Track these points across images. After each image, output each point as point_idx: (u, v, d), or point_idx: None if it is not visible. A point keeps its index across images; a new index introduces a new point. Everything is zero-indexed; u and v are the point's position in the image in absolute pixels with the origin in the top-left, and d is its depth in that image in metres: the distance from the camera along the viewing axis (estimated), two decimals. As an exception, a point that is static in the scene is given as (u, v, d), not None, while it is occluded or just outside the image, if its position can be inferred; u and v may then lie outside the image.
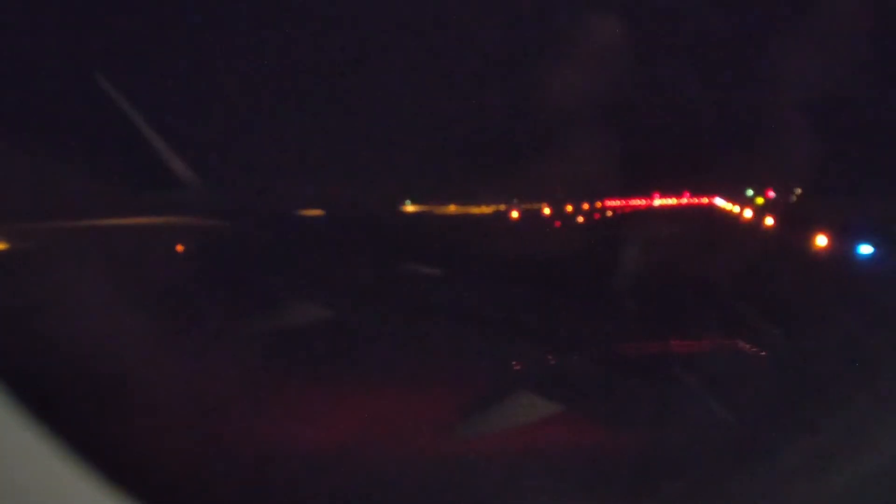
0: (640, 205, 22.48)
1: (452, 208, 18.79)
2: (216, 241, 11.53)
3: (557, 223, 19.59)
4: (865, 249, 13.10)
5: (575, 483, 5.36)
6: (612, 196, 21.63)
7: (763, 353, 6.82)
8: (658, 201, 22.08)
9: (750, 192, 21.33)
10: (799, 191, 19.98)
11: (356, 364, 7.62)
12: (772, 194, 21.12)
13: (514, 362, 6.79)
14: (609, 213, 22.14)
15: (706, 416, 5.32)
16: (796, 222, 17.39)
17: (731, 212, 23.21)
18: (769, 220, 19.96)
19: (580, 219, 20.63)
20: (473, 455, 5.97)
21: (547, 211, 19.55)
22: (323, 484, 5.27)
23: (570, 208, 20.23)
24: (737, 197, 22.29)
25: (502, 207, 19.09)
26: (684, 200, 22.12)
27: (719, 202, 23.75)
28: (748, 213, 21.58)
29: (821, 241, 14.70)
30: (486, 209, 19.08)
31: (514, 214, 18.94)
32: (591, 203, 21.03)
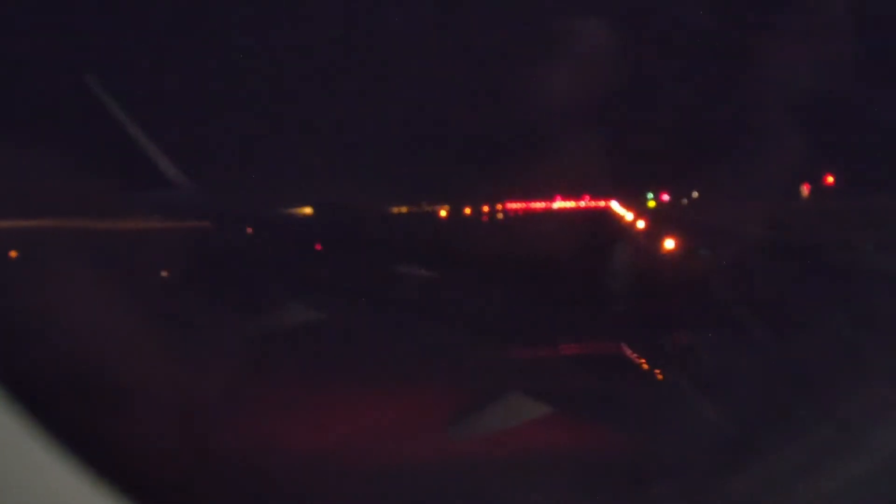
0: (537, 207, 22.69)
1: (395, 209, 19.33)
2: (205, 242, 11.51)
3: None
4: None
5: (567, 485, 5.37)
6: (518, 198, 21.86)
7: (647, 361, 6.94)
8: (557, 204, 22.39)
9: (650, 196, 21.67)
10: (696, 194, 20.40)
11: (346, 366, 7.61)
12: (666, 198, 21.47)
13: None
14: (503, 215, 22.30)
15: (696, 416, 5.35)
16: (661, 225, 17.84)
17: (616, 215, 23.46)
18: (640, 223, 20.27)
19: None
20: (465, 458, 5.97)
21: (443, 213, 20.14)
22: (315, 487, 5.26)
23: (468, 210, 20.70)
24: (637, 200, 22.54)
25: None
26: (581, 204, 22.37)
27: (614, 206, 23.97)
28: (629, 217, 21.87)
29: (668, 243, 15.12)
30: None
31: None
32: (493, 205, 21.31)
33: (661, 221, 19.43)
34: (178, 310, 8.12)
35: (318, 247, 13.22)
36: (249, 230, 13.18)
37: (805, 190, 19.51)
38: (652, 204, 21.51)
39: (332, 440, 6.18)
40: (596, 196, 22.40)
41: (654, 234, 17.84)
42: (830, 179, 19.42)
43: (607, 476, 5.55)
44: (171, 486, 4.06)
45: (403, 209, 19.70)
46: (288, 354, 7.82)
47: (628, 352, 7.01)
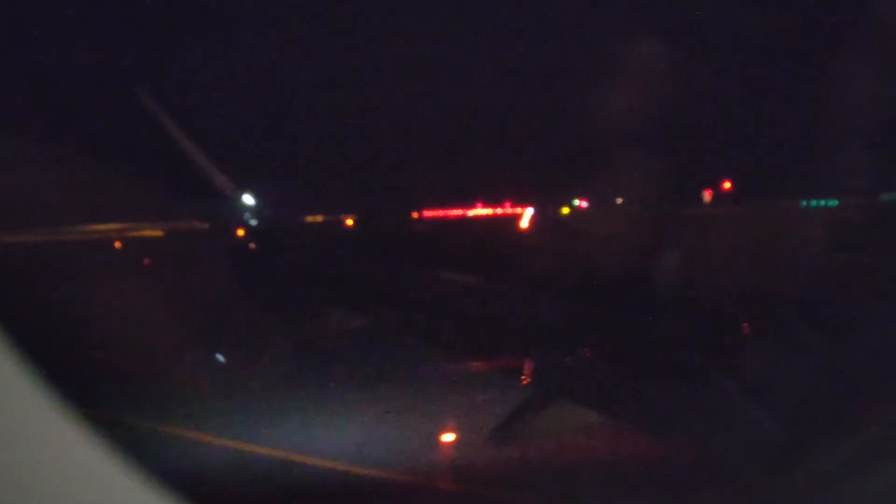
0: (452, 214, 22.68)
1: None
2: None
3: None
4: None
5: (618, 492, 5.37)
6: (439, 205, 21.82)
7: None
8: (474, 211, 22.45)
9: (574, 202, 21.88)
10: (620, 200, 20.68)
11: (392, 370, 7.68)
12: (584, 204, 21.62)
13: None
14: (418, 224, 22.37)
15: (746, 421, 5.32)
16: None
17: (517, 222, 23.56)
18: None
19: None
20: (511, 462, 5.99)
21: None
22: (356, 493, 5.32)
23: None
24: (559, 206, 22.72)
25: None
26: (497, 211, 22.42)
27: (527, 213, 24.02)
28: (524, 223, 22.01)
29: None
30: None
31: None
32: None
33: (542, 230, 19.76)
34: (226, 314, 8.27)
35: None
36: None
37: (707, 196, 20.29)
38: (566, 211, 21.87)
39: (377, 444, 6.23)
40: (521, 203, 22.55)
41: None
42: (728, 185, 20.15)
43: (653, 482, 5.54)
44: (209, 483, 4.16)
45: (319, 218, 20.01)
46: (335, 358, 7.93)
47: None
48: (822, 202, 17.66)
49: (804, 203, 18.09)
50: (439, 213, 22.04)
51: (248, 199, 13.29)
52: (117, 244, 12.16)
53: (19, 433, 2.93)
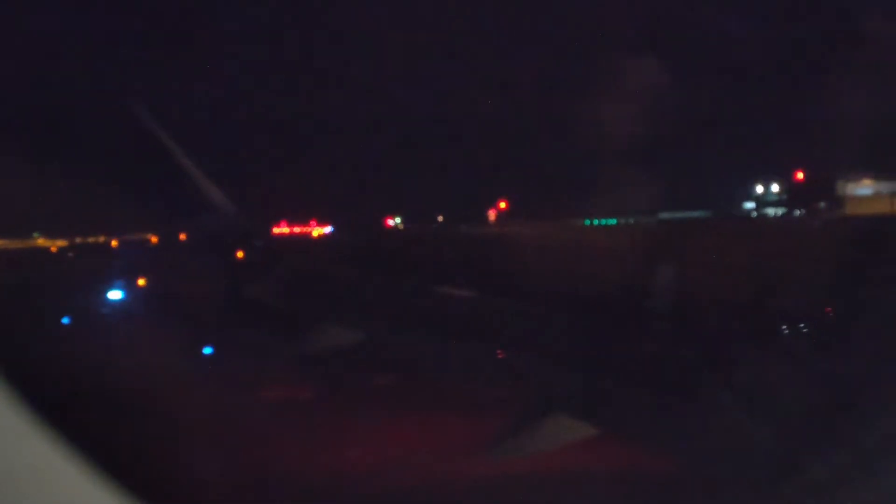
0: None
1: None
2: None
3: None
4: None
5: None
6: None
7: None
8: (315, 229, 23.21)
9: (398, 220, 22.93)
10: (441, 217, 22.18)
11: (389, 386, 7.70)
12: (390, 223, 22.63)
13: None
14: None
15: (741, 433, 5.27)
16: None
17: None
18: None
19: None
20: (506, 478, 5.98)
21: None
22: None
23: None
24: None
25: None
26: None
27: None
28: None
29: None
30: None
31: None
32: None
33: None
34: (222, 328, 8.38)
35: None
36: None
37: (492, 215, 21.88)
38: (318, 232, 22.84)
39: (375, 460, 6.25)
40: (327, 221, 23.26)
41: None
42: (503, 205, 21.59)
43: (650, 494, 5.51)
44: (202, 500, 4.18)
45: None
46: (328, 374, 8.01)
47: None
48: (603, 221, 20.31)
49: (587, 222, 20.39)
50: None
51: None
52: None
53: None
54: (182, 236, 16.54)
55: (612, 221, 21.40)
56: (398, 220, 22.72)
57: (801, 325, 6.53)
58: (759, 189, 25.63)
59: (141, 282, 14.17)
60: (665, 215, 20.76)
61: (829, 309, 6.86)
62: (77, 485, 2.86)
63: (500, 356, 7.46)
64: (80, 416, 3.42)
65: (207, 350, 8.78)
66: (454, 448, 6.48)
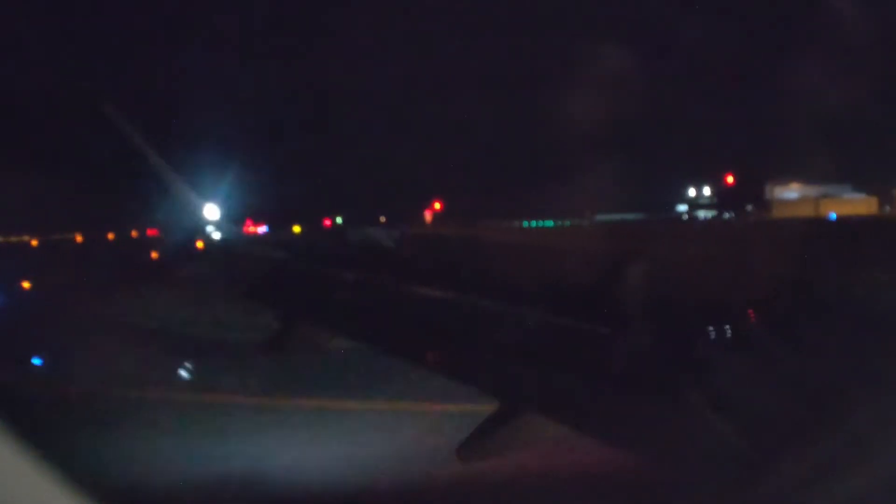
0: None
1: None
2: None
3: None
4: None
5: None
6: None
7: None
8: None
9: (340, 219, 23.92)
10: (383, 219, 23.47)
11: (356, 385, 7.64)
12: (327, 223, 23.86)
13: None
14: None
15: (710, 433, 5.34)
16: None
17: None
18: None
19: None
20: (476, 480, 5.97)
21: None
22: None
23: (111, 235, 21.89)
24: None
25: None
26: None
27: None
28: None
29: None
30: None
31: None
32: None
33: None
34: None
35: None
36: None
37: (428, 216, 23.49)
38: (297, 229, 24.02)
39: (343, 462, 6.20)
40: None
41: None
42: (438, 206, 23.39)
43: (620, 495, 5.55)
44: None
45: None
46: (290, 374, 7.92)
47: None
48: (540, 223, 21.29)
49: (525, 223, 21.80)
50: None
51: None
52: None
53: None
54: (110, 236, 16.57)
55: (549, 224, 21.81)
56: (339, 220, 22.75)
57: (764, 322, 6.71)
58: (692, 192, 26.21)
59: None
60: (602, 217, 21.10)
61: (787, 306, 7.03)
62: None
63: (462, 356, 7.44)
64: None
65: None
66: (420, 451, 6.46)
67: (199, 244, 14.56)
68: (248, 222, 21.93)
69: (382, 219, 22.94)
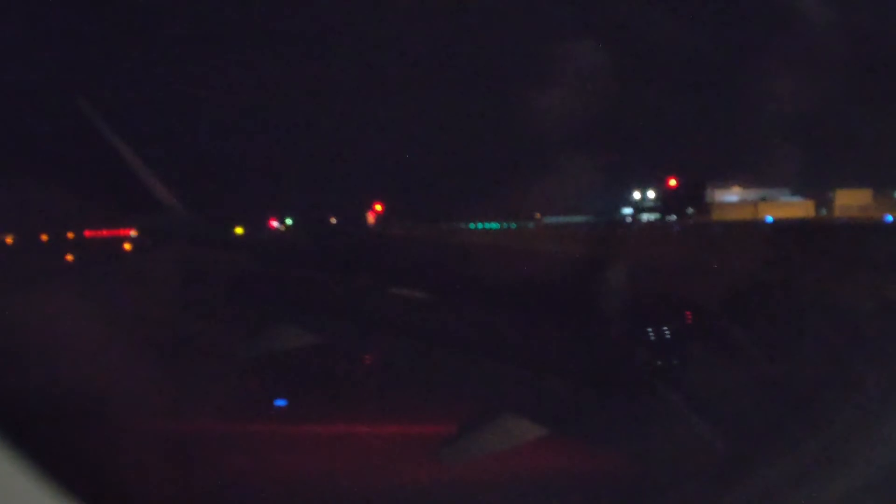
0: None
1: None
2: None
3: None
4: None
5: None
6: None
7: None
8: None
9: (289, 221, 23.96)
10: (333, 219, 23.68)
11: (338, 389, 7.62)
12: (274, 224, 23.95)
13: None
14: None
15: (690, 433, 5.49)
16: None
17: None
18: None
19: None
20: (456, 481, 6.01)
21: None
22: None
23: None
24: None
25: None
26: None
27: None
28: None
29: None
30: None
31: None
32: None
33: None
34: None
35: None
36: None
37: (371, 217, 23.37)
38: (240, 231, 23.87)
39: (324, 465, 6.19)
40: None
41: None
42: (379, 207, 23.56)
43: (603, 496, 5.62)
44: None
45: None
46: (274, 377, 7.85)
47: None
48: (486, 224, 21.16)
49: (471, 225, 20.96)
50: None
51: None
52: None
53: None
54: (43, 237, 16.12)
55: (495, 226, 21.80)
56: (288, 221, 22.35)
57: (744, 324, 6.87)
58: (637, 195, 26.57)
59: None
60: (549, 220, 21.23)
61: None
62: None
63: (442, 357, 7.49)
64: None
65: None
66: (402, 453, 6.48)
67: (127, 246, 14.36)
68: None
69: (333, 220, 22.69)
